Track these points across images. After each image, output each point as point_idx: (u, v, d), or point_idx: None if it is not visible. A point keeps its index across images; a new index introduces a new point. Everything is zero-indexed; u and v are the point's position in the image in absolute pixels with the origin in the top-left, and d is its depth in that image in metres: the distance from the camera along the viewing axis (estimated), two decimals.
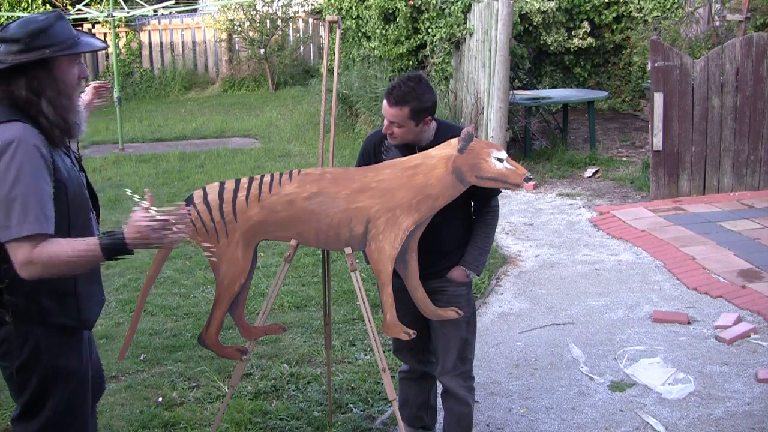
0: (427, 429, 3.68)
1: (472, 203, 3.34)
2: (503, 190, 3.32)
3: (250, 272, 3.23)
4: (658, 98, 7.36)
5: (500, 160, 3.06)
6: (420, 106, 3.10)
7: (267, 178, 3.15)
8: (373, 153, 3.33)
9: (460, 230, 3.32)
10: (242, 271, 3.15)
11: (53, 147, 2.39)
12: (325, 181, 3.12)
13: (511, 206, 7.63)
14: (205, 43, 16.60)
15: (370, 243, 3.10)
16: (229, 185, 3.14)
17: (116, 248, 2.28)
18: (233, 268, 3.13)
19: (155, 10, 14.30)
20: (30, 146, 2.28)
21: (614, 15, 11.25)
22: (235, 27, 15.56)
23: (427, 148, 3.18)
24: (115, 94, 11.68)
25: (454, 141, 3.08)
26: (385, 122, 3.16)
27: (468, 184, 3.08)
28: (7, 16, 16.29)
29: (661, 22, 9.94)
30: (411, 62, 10.45)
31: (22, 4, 16.66)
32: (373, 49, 10.81)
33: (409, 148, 3.23)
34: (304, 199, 3.09)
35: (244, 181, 3.15)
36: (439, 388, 3.54)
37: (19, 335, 2.44)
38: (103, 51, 17.43)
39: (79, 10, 13.58)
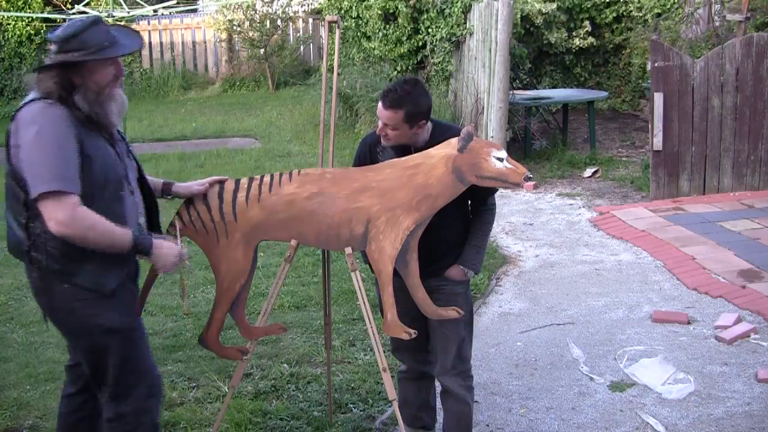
0: (427, 429, 3.68)
1: (470, 202, 3.34)
2: (502, 190, 3.32)
3: (251, 273, 3.23)
4: (658, 98, 7.36)
5: (500, 160, 3.06)
6: (415, 110, 3.10)
7: (267, 179, 3.14)
8: (369, 154, 3.33)
9: (457, 229, 3.32)
10: (242, 271, 3.15)
11: (87, 131, 2.66)
12: (325, 181, 3.12)
13: (511, 206, 7.63)
14: (205, 43, 16.60)
15: (370, 243, 3.10)
16: (229, 186, 3.14)
17: (142, 248, 2.70)
18: (233, 268, 3.13)
19: (155, 10, 14.29)
20: (55, 116, 2.57)
21: (614, 15, 11.25)
22: (235, 27, 15.55)
23: (423, 149, 3.17)
24: None
25: (454, 141, 3.08)
26: (380, 124, 3.16)
27: (468, 183, 3.08)
28: (7, 16, 16.27)
29: (661, 23, 9.94)
30: (411, 62, 10.45)
31: (20, 3, 16.64)
32: (373, 49, 10.81)
33: (404, 150, 3.23)
34: (305, 199, 3.09)
35: (244, 181, 3.15)
36: (438, 387, 3.54)
37: (46, 290, 2.72)
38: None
39: (81, 12, 13.57)
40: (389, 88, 3.14)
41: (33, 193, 2.53)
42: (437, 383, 3.57)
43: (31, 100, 2.62)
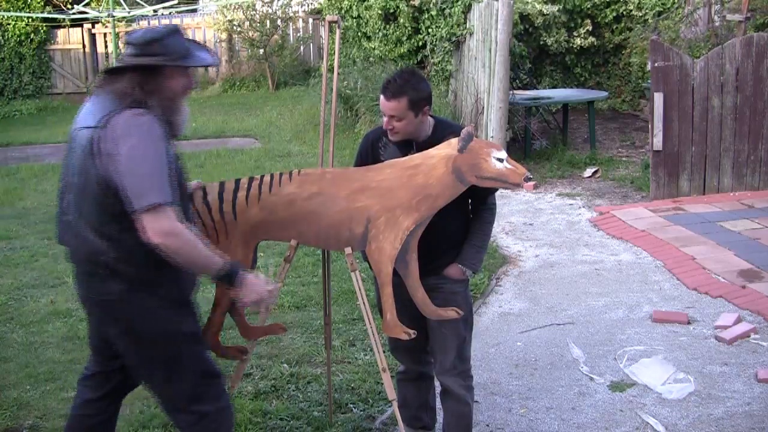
0: (427, 429, 3.68)
1: (470, 201, 3.34)
2: (502, 190, 3.32)
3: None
4: (658, 98, 7.36)
5: (500, 160, 3.06)
6: (417, 96, 3.11)
7: (267, 179, 3.14)
8: (371, 151, 3.32)
9: (457, 227, 3.32)
10: None
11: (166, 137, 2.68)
12: (325, 181, 3.12)
13: (511, 206, 7.63)
14: (205, 43, 16.57)
15: (370, 243, 3.10)
16: (229, 185, 3.14)
17: (229, 277, 2.67)
18: None
19: (155, 10, 14.29)
20: (151, 126, 2.56)
21: (614, 14, 11.25)
22: (235, 27, 15.56)
23: (426, 144, 3.18)
24: None
25: (454, 141, 3.08)
26: (385, 119, 3.16)
27: (468, 183, 3.09)
28: (7, 16, 16.28)
29: (660, 22, 9.95)
30: (411, 62, 10.45)
31: (19, 3, 16.64)
32: (374, 49, 10.81)
33: (407, 145, 3.23)
34: (305, 199, 3.09)
35: (244, 181, 3.15)
36: (438, 387, 3.54)
37: (130, 301, 2.68)
38: (103, 51, 17.43)
39: (79, 10, 13.57)
40: (388, 80, 3.15)
41: (138, 206, 2.50)
42: (437, 383, 3.57)
43: (122, 109, 2.57)
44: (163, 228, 2.51)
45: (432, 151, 3.13)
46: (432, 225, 3.19)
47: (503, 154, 3.08)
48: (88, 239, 2.64)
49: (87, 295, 2.77)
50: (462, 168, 3.05)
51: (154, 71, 2.61)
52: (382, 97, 3.13)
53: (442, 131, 3.21)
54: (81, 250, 2.69)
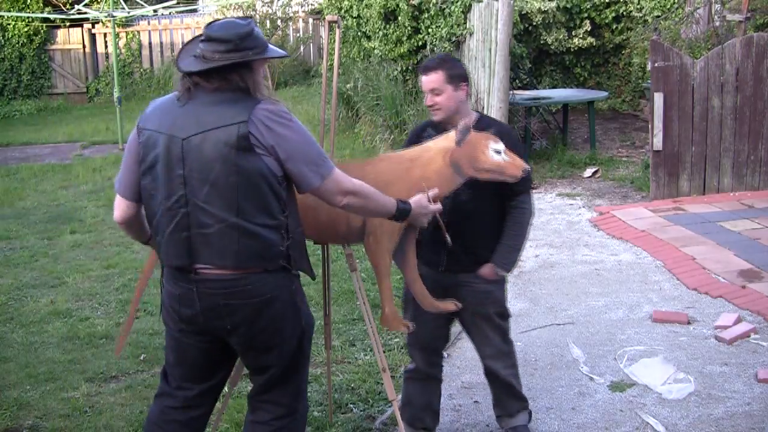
0: (428, 430, 3.68)
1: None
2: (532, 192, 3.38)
3: None
4: (658, 98, 7.36)
5: (498, 152, 3.06)
6: (453, 70, 3.24)
7: None
8: (416, 141, 3.38)
9: (491, 228, 3.36)
10: None
11: None
12: None
13: None
14: None
15: (368, 236, 3.10)
16: None
17: (405, 212, 2.84)
18: None
19: (155, 10, 14.29)
20: (294, 119, 2.65)
21: (614, 15, 11.24)
22: None
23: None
24: (116, 94, 11.68)
25: (452, 134, 3.09)
26: (427, 98, 3.26)
27: (466, 176, 3.09)
28: (7, 16, 16.27)
29: (661, 23, 9.94)
30: (411, 62, 10.45)
31: (20, 3, 16.64)
32: (374, 48, 10.80)
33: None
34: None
35: None
36: (481, 368, 3.65)
37: (283, 293, 2.69)
38: (103, 51, 17.44)
39: (79, 10, 13.57)
40: (424, 62, 3.34)
41: (319, 179, 2.60)
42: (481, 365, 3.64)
43: (254, 104, 2.57)
44: (347, 188, 2.66)
45: (429, 143, 3.15)
46: (465, 224, 3.26)
47: (501, 146, 3.08)
48: (261, 236, 2.57)
49: (237, 302, 2.62)
50: (460, 161, 3.05)
51: (246, 64, 2.58)
52: (421, 76, 3.28)
53: (487, 126, 3.26)
54: (251, 250, 2.58)
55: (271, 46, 2.70)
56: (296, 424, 2.84)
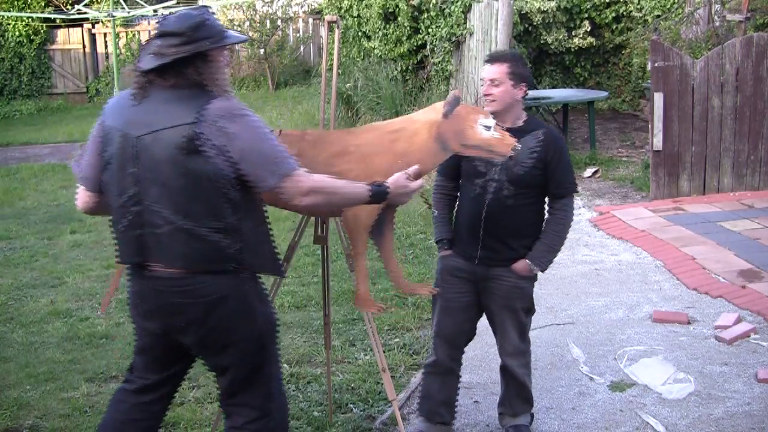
0: (445, 424, 3.67)
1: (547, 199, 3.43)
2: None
3: None
4: (658, 98, 7.36)
5: (487, 128, 2.96)
6: (518, 68, 3.28)
7: None
8: None
9: (527, 224, 3.39)
10: None
11: None
12: (304, 143, 3.01)
13: None
14: None
15: (346, 210, 2.98)
16: None
17: (380, 194, 2.68)
18: None
19: (155, 10, 14.29)
20: (246, 108, 2.54)
21: (614, 15, 11.24)
22: (235, 27, 15.56)
23: (514, 131, 3.21)
24: (115, 94, 11.66)
25: (439, 105, 2.98)
26: (485, 86, 3.29)
27: (452, 152, 2.99)
28: (7, 16, 16.28)
29: (660, 23, 9.94)
30: (411, 62, 10.45)
31: (20, 3, 16.65)
32: (374, 48, 10.80)
33: None
34: None
35: None
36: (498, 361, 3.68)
37: (238, 296, 2.62)
38: (103, 51, 17.44)
39: (79, 10, 13.57)
40: (492, 52, 3.39)
41: (275, 179, 2.48)
42: (498, 360, 3.68)
43: (207, 100, 2.48)
44: (307, 187, 2.52)
45: (415, 115, 3.04)
46: (505, 219, 3.29)
47: (491, 122, 2.98)
48: (208, 239, 2.52)
49: (188, 300, 2.59)
50: (446, 135, 2.94)
51: (204, 56, 2.51)
52: (485, 65, 3.31)
53: (534, 125, 3.34)
54: (198, 252, 2.54)
55: (229, 32, 2.63)
56: (273, 425, 2.79)
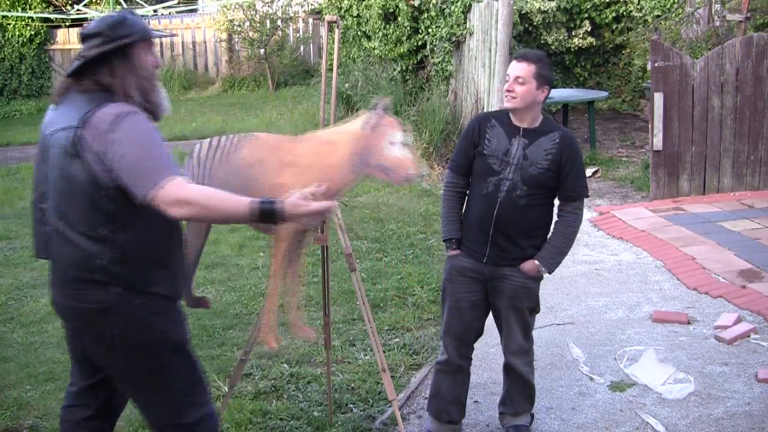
0: (453, 423, 3.67)
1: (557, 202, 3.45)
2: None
3: (201, 248, 3.19)
4: (658, 98, 7.36)
5: (392, 144, 2.84)
6: (545, 71, 3.30)
7: (223, 142, 3.05)
8: (477, 130, 3.42)
9: (537, 225, 3.41)
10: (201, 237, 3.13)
11: None
12: (267, 150, 2.96)
13: None
14: (205, 43, 16.59)
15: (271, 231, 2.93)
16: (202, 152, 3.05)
17: (270, 213, 2.39)
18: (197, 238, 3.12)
19: (155, 10, 14.29)
20: (140, 114, 2.47)
21: (614, 15, 11.24)
22: (235, 27, 15.55)
23: (531, 132, 3.30)
24: None
25: (364, 116, 2.89)
26: (509, 81, 3.30)
27: (365, 169, 2.88)
28: (7, 16, 16.27)
29: (661, 23, 9.94)
30: (411, 62, 10.45)
31: (21, 3, 16.65)
32: (374, 48, 10.80)
33: (513, 129, 3.35)
34: (248, 166, 2.95)
35: (214, 143, 3.05)
36: (501, 359, 3.70)
37: (119, 308, 2.54)
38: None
39: (78, 10, 13.56)
40: (522, 50, 3.41)
41: (146, 191, 2.37)
42: (502, 359, 3.69)
43: (101, 104, 2.45)
44: (171, 199, 2.36)
45: (348, 125, 2.94)
46: (516, 219, 3.32)
47: (399, 137, 2.84)
48: (80, 245, 2.51)
49: (74, 304, 2.60)
50: (360, 150, 2.83)
51: (123, 55, 2.50)
52: (513, 62, 3.33)
53: (550, 127, 3.37)
54: (72, 257, 2.55)
55: (153, 30, 2.62)
56: None
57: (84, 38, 2.53)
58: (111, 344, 2.60)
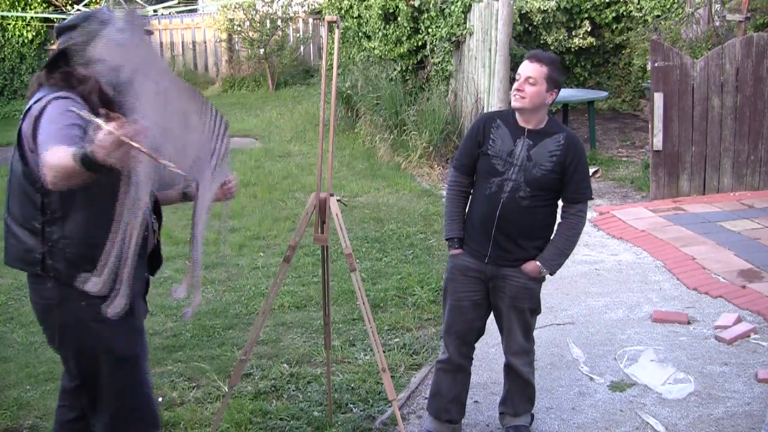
0: (453, 423, 3.67)
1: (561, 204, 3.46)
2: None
3: None
4: (658, 98, 7.36)
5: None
6: (556, 73, 3.30)
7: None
8: (482, 129, 3.43)
9: (539, 227, 3.40)
10: None
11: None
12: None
13: None
14: (205, 43, 16.60)
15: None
16: None
17: (83, 158, 2.11)
18: None
19: (155, 10, 14.29)
20: (64, 101, 2.40)
21: (614, 15, 11.24)
22: (235, 27, 15.56)
23: (536, 133, 3.31)
24: None
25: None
26: (519, 81, 3.30)
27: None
28: (6, 16, 16.27)
29: (661, 23, 9.94)
30: (411, 62, 10.44)
31: (21, 4, 16.64)
32: (374, 49, 10.80)
33: (518, 129, 3.36)
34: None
35: None
36: (502, 359, 3.70)
37: (61, 304, 2.55)
38: None
39: (78, 10, 13.55)
40: (535, 50, 3.40)
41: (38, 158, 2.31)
42: (502, 358, 3.69)
43: (42, 97, 2.44)
44: (44, 166, 2.20)
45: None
46: (518, 220, 3.33)
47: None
48: (21, 238, 2.54)
49: (33, 299, 2.63)
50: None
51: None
52: (525, 61, 3.32)
53: (555, 128, 3.38)
54: (15, 250, 2.58)
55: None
56: None
57: (58, 32, 2.54)
58: (62, 343, 2.60)
